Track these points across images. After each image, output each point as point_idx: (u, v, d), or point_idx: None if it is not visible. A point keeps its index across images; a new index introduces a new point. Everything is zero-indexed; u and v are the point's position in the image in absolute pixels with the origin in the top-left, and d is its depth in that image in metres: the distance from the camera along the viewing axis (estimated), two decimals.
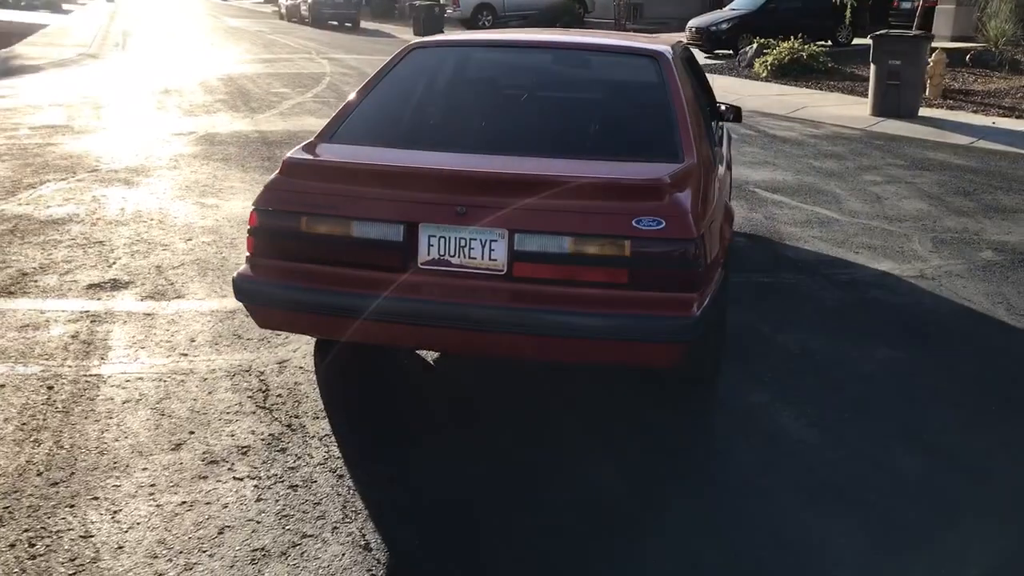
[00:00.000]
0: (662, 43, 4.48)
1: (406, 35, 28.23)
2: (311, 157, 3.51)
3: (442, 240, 3.31)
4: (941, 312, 5.02)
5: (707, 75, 5.69)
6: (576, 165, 3.50)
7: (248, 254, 3.51)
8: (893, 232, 6.59)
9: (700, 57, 20.07)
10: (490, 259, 3.28)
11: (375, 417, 3.71)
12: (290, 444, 3.40)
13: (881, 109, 12.44)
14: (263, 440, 3.42)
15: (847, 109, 13.05)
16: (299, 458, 3.31)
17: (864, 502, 3.14)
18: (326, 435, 3.48)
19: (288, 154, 3.50)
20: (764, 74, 16.68)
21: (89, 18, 34.42)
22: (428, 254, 3.33)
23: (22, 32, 23.61)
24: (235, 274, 3.50)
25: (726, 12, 21.09)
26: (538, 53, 4.45)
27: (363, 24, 32.91)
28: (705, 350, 3.72)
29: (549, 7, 29.22)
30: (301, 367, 4.05)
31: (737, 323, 4.73)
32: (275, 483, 3.14)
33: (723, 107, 5.38)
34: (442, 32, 28.13)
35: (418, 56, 4.30)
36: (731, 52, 19.67)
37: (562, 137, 3.83)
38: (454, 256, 3.31)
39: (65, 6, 41.39)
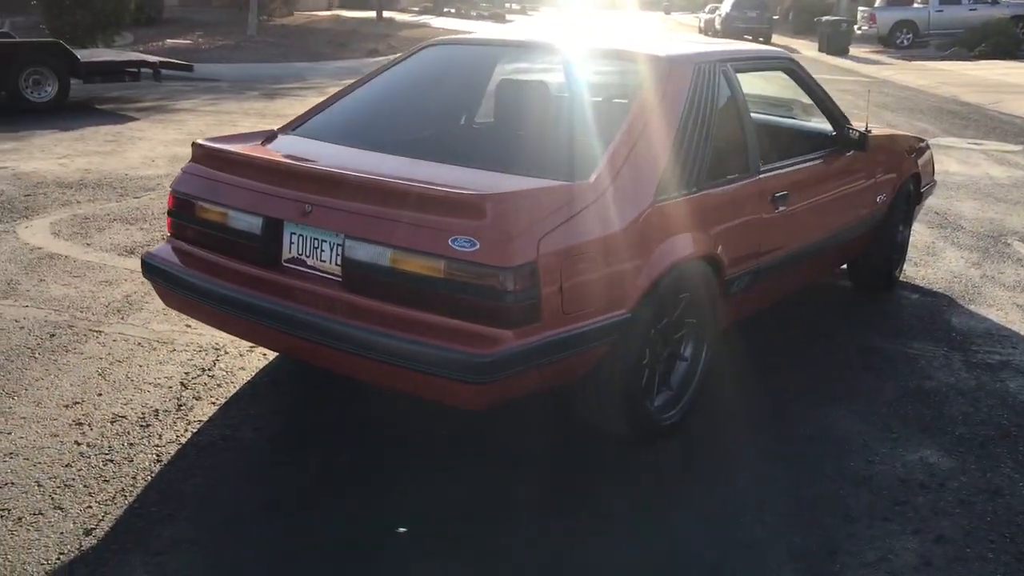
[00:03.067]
0: (716, 47, 3.85)
1: (810, 51, 26.93)
2: (217, 145, 3.52)
3: (300, 238, 3.17)
4: None
5: None
6: (453, 173, 3.15)
7: (167, 234, 3.63)
8: None
9: None
10: (335, 263, 3.08)
11: (265, 428, 3.62)
12: (159, 424, 3.45)
13: None
14: (141, 413, 3.52)
15: None
16: (147, 439, 3.34)
17: None
18: (198, 421, 3.49)
19: (201, 140, 3.55)
20: None
21: (513, 27, 37.22)
22: (290, 252, 3.21)
23: (428, 37, 26.13)
24: (145, 251, 3.64)
25: None
26: (540, 55, 4.03)
27: (775, 40, 31.92)
28: (599, 401, 3.18)
29: (982, 26, 26.08)
30: (265, 354, 4.08)
31: (775, 389, 3.95)
32: (96, 455, 3.20)
33: (853, 132, 4.47)
34: (847, 51, 26.43)
35: (427, 53, 4.13)
36: None
37: (491, 144, 3.46)
38: (309, 256, 3.16)
39: (510, 17, 45.07)
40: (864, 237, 4.83)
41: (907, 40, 28.14)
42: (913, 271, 5.68)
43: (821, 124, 4.71)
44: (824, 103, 4.49)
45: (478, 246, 2.74)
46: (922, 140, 5.61)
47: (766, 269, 3.86)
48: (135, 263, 5.23)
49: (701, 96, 3.56)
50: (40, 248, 5.50)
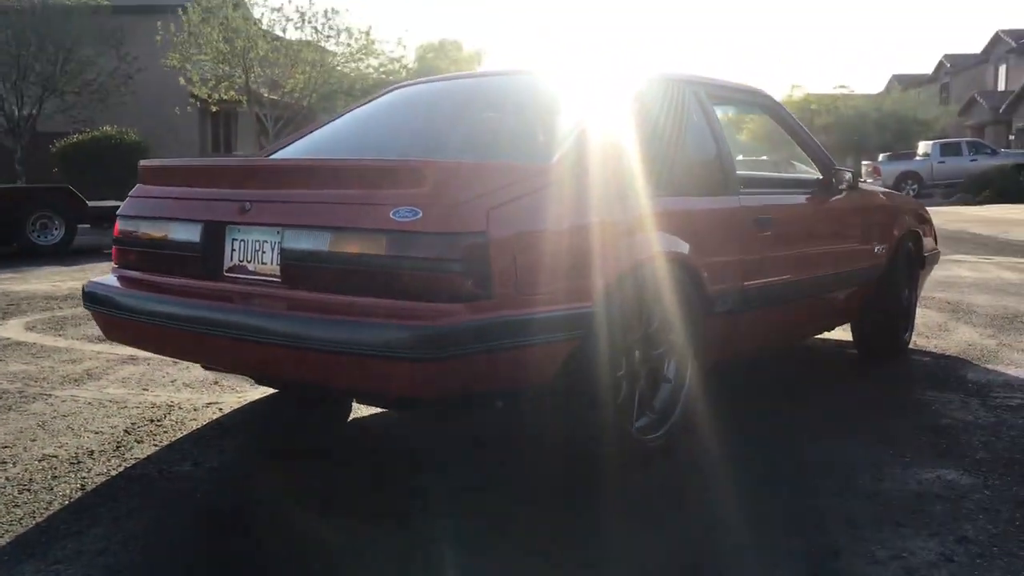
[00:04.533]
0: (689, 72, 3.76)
1: None
2: (159, 161, 3.38)
3: (242, 244, 2.96)
4: None
5: None
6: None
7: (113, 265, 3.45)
8: None
9: None
10: (275, 263, 2.85)
11: (205, 463, 3.31)
12: (91, 461, 3.14)
13: None
14: (74, 454, 3.21)
15: None
16: (73, 473, 3.03)
17: None
18: (135, 458, 3.18)
19: (145, 161, 3.41)
20: None
21: None
22: (231, 259, 2.99)
23: None
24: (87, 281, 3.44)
25: None
26: (508, 82, 3.95)
27: None
28: (570, 409, 2.86)
29: (982, 174, 26.52)
30: (221, 408, 3.79)
31: (773, 424, 3.61)
32: (12, 486, 2.89)
33: (843, 174, 4.32)
34: None
35: (396, 92, 4.07)
36: None
37: (451, 142, 3.33)
38: (250, 262, 2.94)
39: None
40: (863, 291, 4.56)
41: (912, 191, 28.50)
42: (924, 341, 5.36)
43: (811, 173, 4.57)
44: (807, 143, 4.36)
45: (420, 214, 2.51)
46: (923, 208, 5.42)
47: (756, 295, 3.60)
48: (105, 346, 5.02)
49: (671, 108, 3.44)
50: (8, 338, 5.31)
